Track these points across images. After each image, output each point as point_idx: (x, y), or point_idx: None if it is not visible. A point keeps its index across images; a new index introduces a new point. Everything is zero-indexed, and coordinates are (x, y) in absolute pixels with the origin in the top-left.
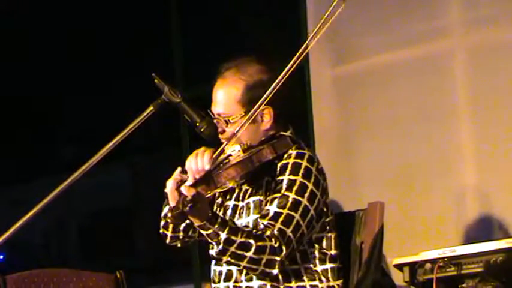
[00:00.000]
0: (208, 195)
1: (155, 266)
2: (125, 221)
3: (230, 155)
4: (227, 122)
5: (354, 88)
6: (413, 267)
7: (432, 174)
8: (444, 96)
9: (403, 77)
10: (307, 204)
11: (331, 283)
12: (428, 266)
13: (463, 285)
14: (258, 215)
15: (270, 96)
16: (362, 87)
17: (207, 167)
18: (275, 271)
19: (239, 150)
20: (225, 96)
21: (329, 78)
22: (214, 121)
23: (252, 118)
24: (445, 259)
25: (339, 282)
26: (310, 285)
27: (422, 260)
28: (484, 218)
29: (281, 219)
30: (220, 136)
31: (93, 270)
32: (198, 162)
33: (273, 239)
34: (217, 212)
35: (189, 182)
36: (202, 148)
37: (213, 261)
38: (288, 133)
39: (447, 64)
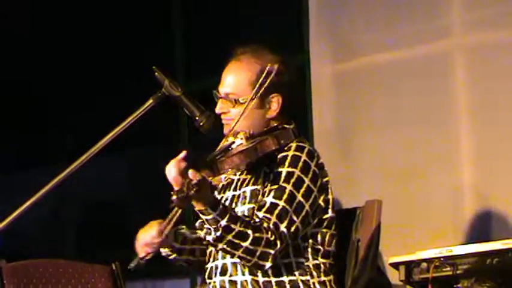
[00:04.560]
0: (211, 181)
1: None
2: (121, 214)
3: (233, 142)
4: (236, 101)
5: (354, 86)
6: (409, 266)
7: (430, 173)
8: (444, 95)
9: (404, 75)
10: (302, 200)
11: (323, 278)
12: (424, 265)
13: (458, 285)
14: (253, 205)
15: (273, 82)
16: (362, 85)
17: (157, 239)
18: (268, 264)
19: (242, 138)
20: (239, 77)
21: (329, 75)
22: (220, 101)
23: (258, 94)
24: (441, 259)
25: (330, 277)
26: (302, 280)
27: (418, 259)
28: (482, 218)
29: (276, 212)
30: (223, 116)
31: (89, 262)
32: (147, 236)
33: (269, 232)
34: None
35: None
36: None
37: (209, 248)
38: (291, 127)
39: (447, 64)
